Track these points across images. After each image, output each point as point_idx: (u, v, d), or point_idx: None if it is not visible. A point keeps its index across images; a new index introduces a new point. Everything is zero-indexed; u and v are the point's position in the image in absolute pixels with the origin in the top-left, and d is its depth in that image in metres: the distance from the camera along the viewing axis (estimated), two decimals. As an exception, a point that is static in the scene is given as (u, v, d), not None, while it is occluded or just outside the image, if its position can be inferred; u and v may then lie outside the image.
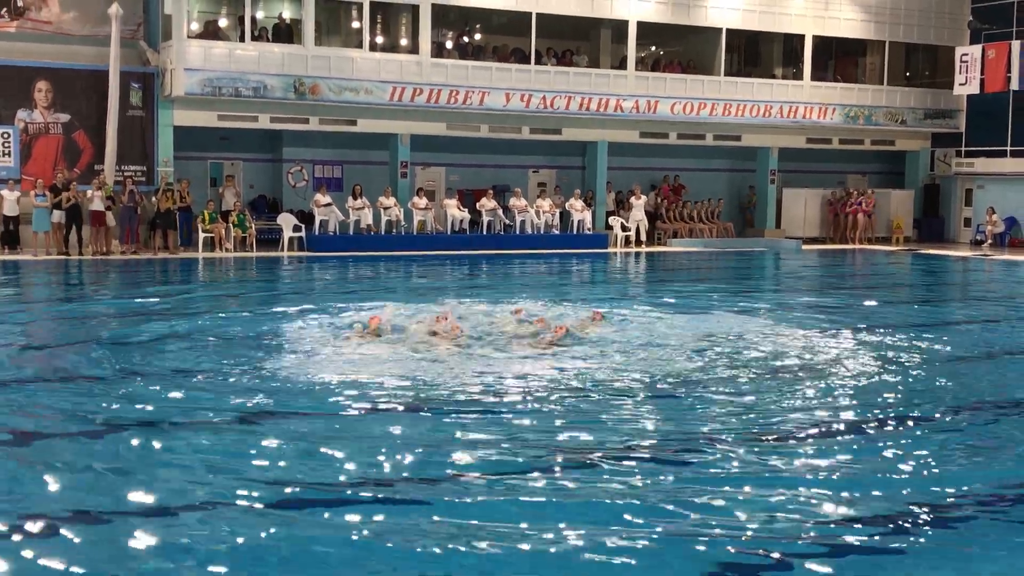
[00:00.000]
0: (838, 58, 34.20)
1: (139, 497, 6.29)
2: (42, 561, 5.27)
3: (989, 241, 31.54)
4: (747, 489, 6.57)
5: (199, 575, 5.14)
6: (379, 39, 27.97)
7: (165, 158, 25.67)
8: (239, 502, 6.21)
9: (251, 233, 25.59)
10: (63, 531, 5.70)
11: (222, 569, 5.21)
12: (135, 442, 7.63)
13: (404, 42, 28.53)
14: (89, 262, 22.79)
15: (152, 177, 25.62)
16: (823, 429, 8.23)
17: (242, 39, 25.72)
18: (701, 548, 5.57)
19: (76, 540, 5.59)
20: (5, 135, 24.54)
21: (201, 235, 24.99)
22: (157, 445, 7.51)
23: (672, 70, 31.11)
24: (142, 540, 5.56)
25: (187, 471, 6.83)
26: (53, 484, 6.52)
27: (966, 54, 31.82)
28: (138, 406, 8.76)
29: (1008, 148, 32.70)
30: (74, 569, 5.17)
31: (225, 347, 11.72)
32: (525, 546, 5.56)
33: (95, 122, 25.01)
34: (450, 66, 27.73)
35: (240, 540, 5.59)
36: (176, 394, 9.22)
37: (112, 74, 24.47)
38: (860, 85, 33.16)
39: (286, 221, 26.30)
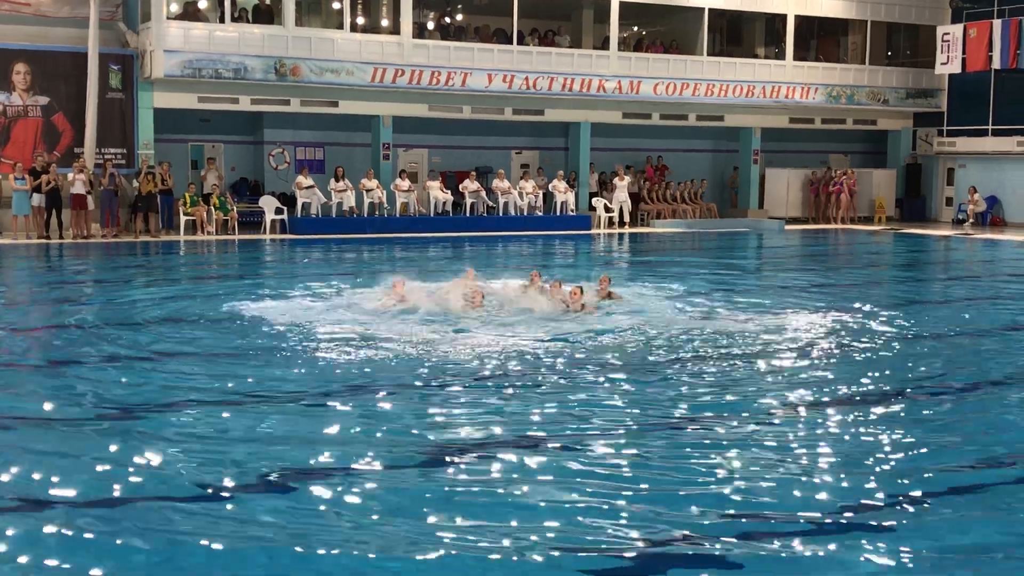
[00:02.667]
0: (820, 38, 34.20)
1: (124, 484, 6.27)
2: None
3: (971, 220, 31.67)
4: (725, 469, 6.61)
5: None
6: (360, 20, 27.82)
7: (145, 140, 25.49)
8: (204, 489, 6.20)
9: (232, 216, 25.48)
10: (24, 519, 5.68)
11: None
12: (120, 427, 7.60)
13: (385, 23, 28.39)
14: (70, 245, 22.64)
15: (132, 160, 25.45)
16: (805, 409, 8.26)
17: (222, 20, 25.53)
18: (678, 526, 5.60)
19: (39, 529, 5.56)
20: (-17, 118, 24.36)
21: (182, 218, 24.87)
22: (137, 430, 7.49)
23: (655, 50, 31.06)
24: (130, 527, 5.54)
25: (168, 455, 6.82)
26: (17, 471, 6.47)
27: (947, 33, 31.86)
28: (116, 390, 8.74)
29: (989, 127, 32.79)
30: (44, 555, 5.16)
31: (207, 329, 11.68)
32: (514, 524, 5.58)
33: (74, 105, 24.80)
34: (432, 47, 27.60)
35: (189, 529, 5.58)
36: (154, 377, 9.19)
37: (91, 56, 24.26)
38: (842, 65, 33.17)
39: (268, 204, 26.18)
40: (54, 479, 6.23)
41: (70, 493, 6.02)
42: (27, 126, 24.79)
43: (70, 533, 5.40)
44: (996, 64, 30.84)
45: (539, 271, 14.36)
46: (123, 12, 25.82)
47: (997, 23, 30.63)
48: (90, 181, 23.89)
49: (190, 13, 25.77)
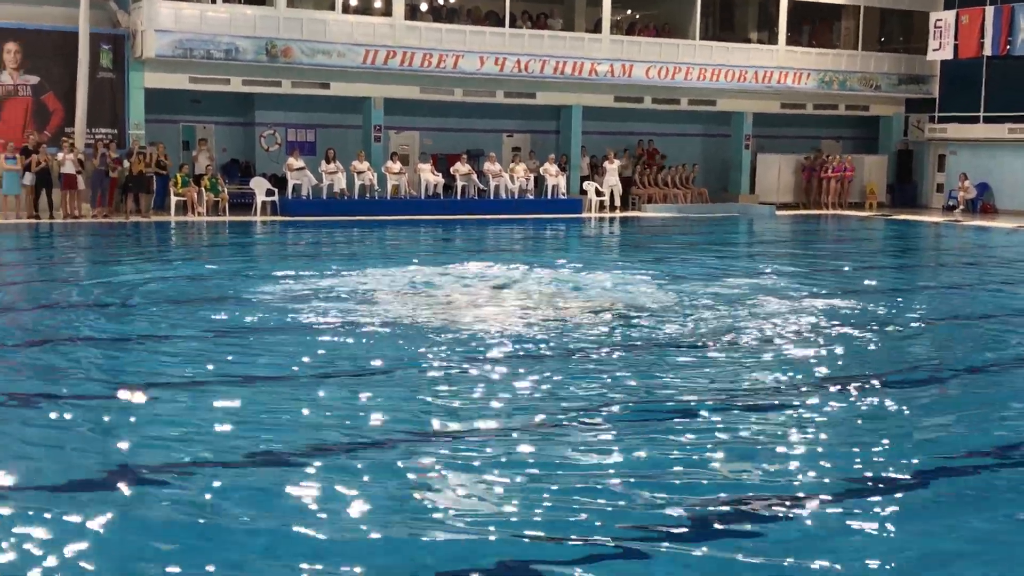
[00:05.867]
0: (813, 23, 34.16)
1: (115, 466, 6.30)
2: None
3: (961, 207, 31.73)
4: (703, 454, 6.66)
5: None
6: (352, 1, 27.72)
7: (136, 121, 25.43)
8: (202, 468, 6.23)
9: (223, 197, 25.42)
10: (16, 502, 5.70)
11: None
12: (113, 408, 7.63)
13: (377, 4, 28.29)
14: (60, 225, 22.60)
15: (123, 140, 25.37)
16: (789, 395, 8.31)
17: (213, 0, 25.43)
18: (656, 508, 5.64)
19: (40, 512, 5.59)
20: (-27, 97, 24.26)
21: (173, 199, 24.82)
22: (127, 412, 7.52)
23: (647, 34, 31.01)
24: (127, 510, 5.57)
25: (162, 435, 6.86)
26: (11, 453, 6.49)
27: (940, 19, 31.87)
28: (110, 371, 8.76)
29: (981, 114, 32.81)
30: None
31: (191, 309, 11.70)
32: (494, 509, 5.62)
33: (65, 84, 24.71)
34: (423, 29, 27.54)
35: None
36: (144, 359, 9.22)
37: (82, 35, 24.16)
38: (835, 50, 33.16)
39: (259, 185, 26.13)
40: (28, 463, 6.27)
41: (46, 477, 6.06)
42: (17, 105, 24.70)
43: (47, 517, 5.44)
44: (988, 51, 30.85)
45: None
46: (114, -9, 25.72)
47: (989, 10, 30.64)
48: (80, 161, 23.84)
49: (181, -7, 25.66)
